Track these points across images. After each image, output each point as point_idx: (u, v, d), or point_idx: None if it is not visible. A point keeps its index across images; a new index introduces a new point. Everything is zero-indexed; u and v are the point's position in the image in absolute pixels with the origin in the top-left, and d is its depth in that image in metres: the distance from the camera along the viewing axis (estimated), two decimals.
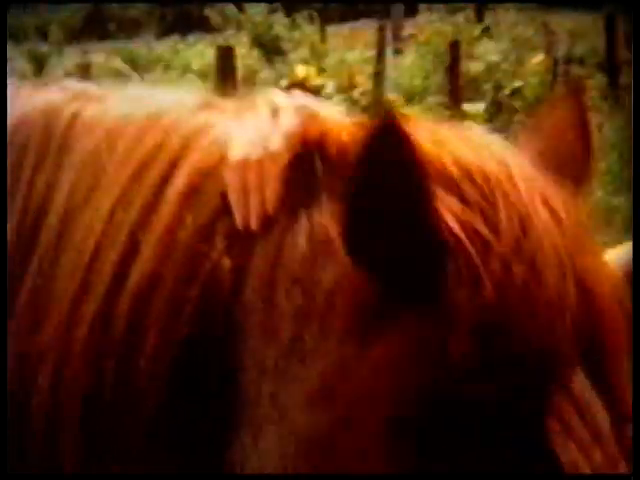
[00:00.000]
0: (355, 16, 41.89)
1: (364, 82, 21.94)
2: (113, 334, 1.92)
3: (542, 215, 1.84)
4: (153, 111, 2.09)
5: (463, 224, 1.78)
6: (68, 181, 2.06)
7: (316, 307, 1.86)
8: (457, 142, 1.93)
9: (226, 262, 1.90)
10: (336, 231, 1.82)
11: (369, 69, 22.18)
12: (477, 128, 2.04)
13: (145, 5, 51.70)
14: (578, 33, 28.31)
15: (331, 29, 31.52)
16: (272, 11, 30.47)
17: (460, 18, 28.31)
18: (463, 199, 1.81)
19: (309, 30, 28.94)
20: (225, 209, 1.95)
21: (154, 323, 1.90)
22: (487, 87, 21.95)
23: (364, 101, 20.83)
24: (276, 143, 1.97)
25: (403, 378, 1.75)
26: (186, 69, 26.05)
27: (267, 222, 1.93)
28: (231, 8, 33.42)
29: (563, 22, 30.52)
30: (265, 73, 24.10)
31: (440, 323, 1.74)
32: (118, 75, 21.78)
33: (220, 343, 1.90)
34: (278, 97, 2.09)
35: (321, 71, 22.54)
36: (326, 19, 32.60)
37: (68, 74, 21.14)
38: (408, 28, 32.64)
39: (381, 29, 23.04)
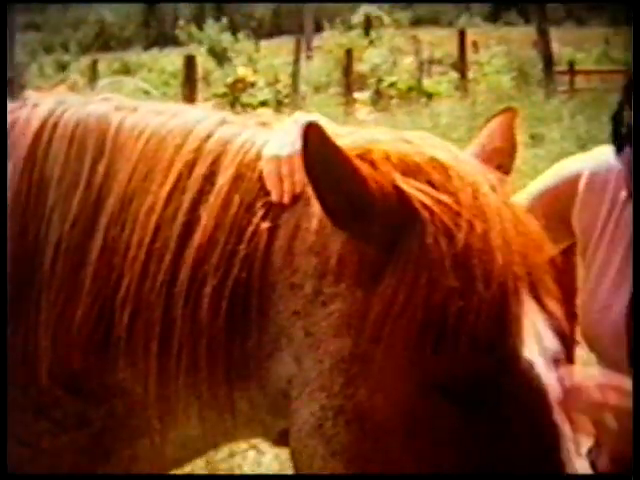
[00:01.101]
0: (279, 33, 41.59)
1: (285, 79, 21.86)
2: (182, 283, 1.89)
3: (484, 184, 1.83)
4: (187, 122, 2.04)
5: (435, 201, 1.76)
6: (124, 172, 2.00)
7: (330, 266, 1.82)
8: (419, 141, 1.88)
9: (263, 225, 1.88)
10: None
11: (289, 70, 22.35)
12: (424, 134, 1.95)
13: (135, 28, 52.12)
14: (437, 42, 28.36)
15: (263, 42, 30.83)
16: (222, 30, 30.79)
17: (353, 33, 28.31)
18: (431, 183, 1.79)
19: (247, 43, 28.84)
20: (263, 190, 1.92)
21: (213, 271, 1.88)
22: (371, 81, 22.15)
23: (285, 92, 20.91)
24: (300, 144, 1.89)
25: (405, 305, 1.72)
26: (162, 71, 25.87)
27: (294, 200, 1.90)
28: (194, 29, 33.40)
29: (427, 35, 30.61)
30: (216, 74, 23.93)
31: (427, 267, 1.72)
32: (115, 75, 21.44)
33: (260, 284, 1.88)
34: (301, 115, 2.01)
35: (255, 72, 22.26)
36: (259, 35, 32.26)
37: (83, 75, 21.21)
38: (316, 41, 32.47)
39: (297, 42, 23.32)
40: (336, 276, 1.81)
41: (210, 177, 1.96)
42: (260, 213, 1.91)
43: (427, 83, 22.67)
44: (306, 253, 1.85)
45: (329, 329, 1.80)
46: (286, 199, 1.92)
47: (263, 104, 19.74)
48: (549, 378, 1.75)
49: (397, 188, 1.76)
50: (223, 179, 1.94)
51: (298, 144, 1.87)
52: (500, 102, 18.34)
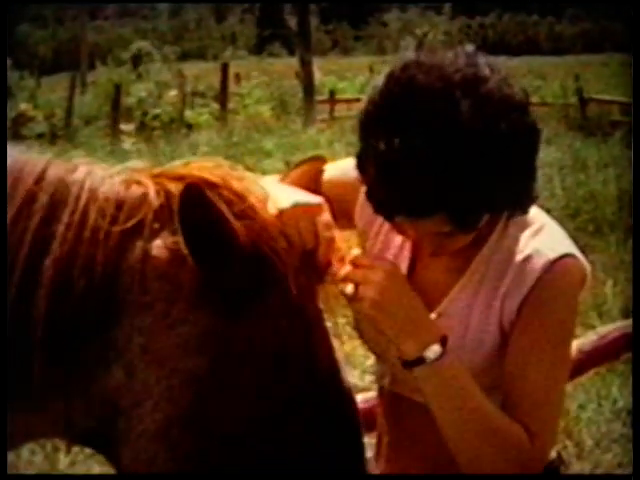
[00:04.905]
0: (59, 70, 41.02)
1: (60, 113, 22.39)
2: (40, 298, 1.71)
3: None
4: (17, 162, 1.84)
5: (284, 253, 1.77)
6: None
7: (183, 294, 1.73)
8: (245, 182, 1.82)
9: (114, 242, 1.74)
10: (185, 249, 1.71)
11: (65, 104, 22.56)
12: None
13: None
14: (201, 75, 28.28)
15: (44, 79, 31.02)
16: (9, 69, 29.36)
17: (123, 69, 28.06)
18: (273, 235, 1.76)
19: (30, 80, 28.75)
20: (115, 213, 1.78)
21: (75, 281, 1.73)
22: (137, 114, 22.27)
23: (59, 125, 21.64)
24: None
25: (269, 337, 1.74)
26: None
27: (140, 227, 1.76)
28: None
29: (192, 68, 30.39)
30: None
31: (287, 309, 1.76)
32: None
33: (107, 296, 1.74)
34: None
35: (35, 107, 22.92)
36: (41, 72, 32.04)
37: None
38: (90, 77, 32.14)
39: (72, 79, 23.88)
40: (190, 304, 1.74)
41: (55, 205, 1.77)
42: (114, 234, 1.76)
43: (189, 115, 22.79)
44: (158, 278, 1.75)
45: (177, 349, 1.73)
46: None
47: (40, 136, 20.43)
48: (348, 383, 1.88)
49: (255, 245, 1.74)
50: (76, 203, 1.77)
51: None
52: (257, 131, 18.98)
